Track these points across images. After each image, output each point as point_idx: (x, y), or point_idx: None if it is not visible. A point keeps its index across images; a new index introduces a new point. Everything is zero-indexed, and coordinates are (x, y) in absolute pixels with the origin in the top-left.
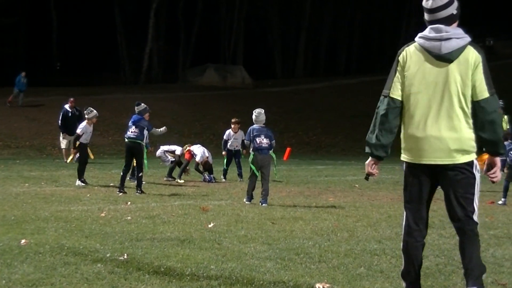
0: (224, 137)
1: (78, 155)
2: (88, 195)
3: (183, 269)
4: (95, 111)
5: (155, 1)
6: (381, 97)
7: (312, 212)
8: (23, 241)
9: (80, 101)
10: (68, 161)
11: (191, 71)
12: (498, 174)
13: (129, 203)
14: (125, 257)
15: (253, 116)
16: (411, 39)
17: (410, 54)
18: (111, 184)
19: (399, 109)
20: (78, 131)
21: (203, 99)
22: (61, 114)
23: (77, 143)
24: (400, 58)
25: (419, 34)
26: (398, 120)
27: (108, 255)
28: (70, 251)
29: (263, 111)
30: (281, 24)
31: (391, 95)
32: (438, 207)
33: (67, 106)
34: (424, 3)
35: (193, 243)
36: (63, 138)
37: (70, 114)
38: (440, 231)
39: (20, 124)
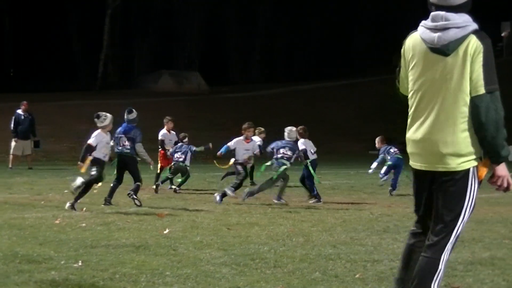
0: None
1: (93, 171)
2: (42, 202)
3: (138, 276)
4: (109, 114)
5: (110, 7)
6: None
7: (267, 218)
8: None
9: (36, 107)
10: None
11: (146, 77)
12: (504, 182)
13: (84, 209)
14: (80, 264)
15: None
16: (363, 45)
17: (413, 44)
18: (66, 191)
19: None
20: (91, 141)
21: (159, 105)
22: (13, 118)
23: (88, 157)
24: (402, 50)
25: (421, 23)
26: None
27: (62, 262)
28: (24, 259)
29: (294, 128)
30: (237, 29)
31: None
32: (393, 212)
33: (19, 111)
34: None
35: (148, 249)
36: (15, 142)
37: (22, 118)
38: (394, 236)
39: None
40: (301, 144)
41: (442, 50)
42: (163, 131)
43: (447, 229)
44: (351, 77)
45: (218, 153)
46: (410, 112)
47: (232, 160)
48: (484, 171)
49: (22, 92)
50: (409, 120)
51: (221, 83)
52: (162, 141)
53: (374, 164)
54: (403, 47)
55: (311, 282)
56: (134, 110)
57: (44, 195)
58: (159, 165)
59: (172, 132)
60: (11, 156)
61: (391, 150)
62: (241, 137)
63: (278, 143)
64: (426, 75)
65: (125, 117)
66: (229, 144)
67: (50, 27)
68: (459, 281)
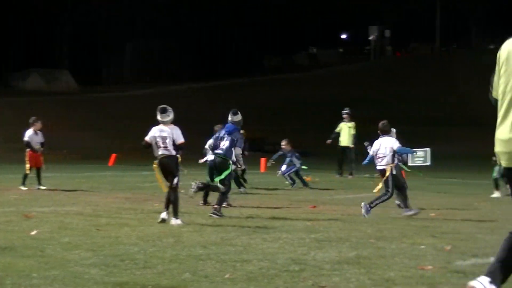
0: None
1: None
2: None
3: (4, 278)
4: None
5: None
6: None
7: (137, 218)
8: None
9: None
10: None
11: (15, 76)
12: None
13: None
14: None
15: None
16: (237, 48)
17: (508, 49)
18: None
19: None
20: (181, 140)
21: (29, 105)
22: None
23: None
24: (498, 55)
25: None
26: None
27: None
28: None
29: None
30: (109, 29)
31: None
32: (262, 212)
33: None
34: None
35: (14, 250)
36: None
37: None
38: (263, 236)
39: None
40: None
41: None
42: (30, 131)
43: None
44: (225, 78)
45: None
46: (500, 113)
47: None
48: None
49: None
50: (498, 121)
51: (92, 82)
52: (28, 142)
53: (284, 167)
54: (498, 52)
55: (181, 282)
56: (239, 112)
57: None
58: (28, 166)
59: (39, 132)
60: None
61: (296, 155)
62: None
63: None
64: None
65: (230, 118)
66: None
67: None
68: (326, 280)
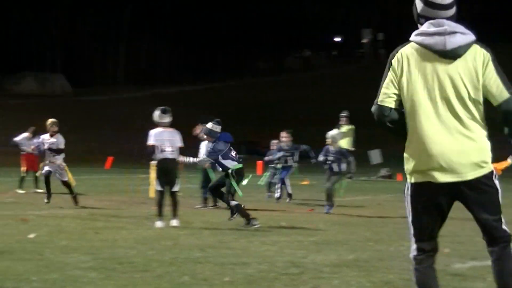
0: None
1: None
2: None
3: (3, 282)
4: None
5: None
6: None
7: (135, 222)
8: None
9: None
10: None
11: (9, 79)
12: None
13: None
14: None
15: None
16: (226, 51)
17: (407, 55)
18: None
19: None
20: (181, 144)
21: (22, 108)
22: None
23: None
24: (394, 61)
25: (414, 33)
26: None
27: None
28: None
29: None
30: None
31: (381, 103)
32: (259, 215)
33: None
34: None
35: (13, 254)
36: None
37: None
38: (262, 239)
39: None
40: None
41: (454, 53)
42: (24, 135)
43: None
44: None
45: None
46: (414, 124)
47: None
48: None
49: None
50: (412, 133)
51: (86, 85)
52: (17, 144)
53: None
54: (394, 60)
55: (180, 285)
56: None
57: None
58: (23, 168)
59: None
60: None
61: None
62: None
63: None
64: (429, 82)
65: (219, 127)
66: None
67: None
68: (326, 283)
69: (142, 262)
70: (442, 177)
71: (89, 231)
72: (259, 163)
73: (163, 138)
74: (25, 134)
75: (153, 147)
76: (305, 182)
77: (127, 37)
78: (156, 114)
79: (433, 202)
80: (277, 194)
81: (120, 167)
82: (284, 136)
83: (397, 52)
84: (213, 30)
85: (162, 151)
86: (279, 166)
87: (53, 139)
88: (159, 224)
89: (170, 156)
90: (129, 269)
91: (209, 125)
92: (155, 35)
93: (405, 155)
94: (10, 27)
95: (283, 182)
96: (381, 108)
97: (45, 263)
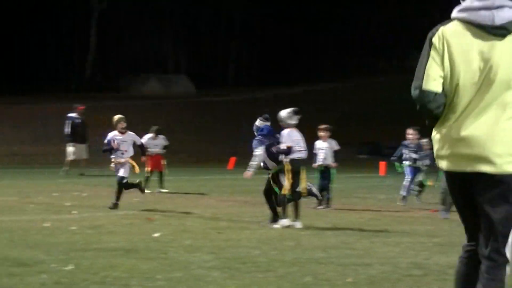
0: None
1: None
2: (31, 205)
3: (129, 280)
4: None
5: (95, 10)
6: None
7: (257, 222)
8: None
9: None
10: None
11: (133, 81)
12: None
13: (74, 212)
14: (71, 267)
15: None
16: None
17: (449, 33)
18: (54, 194)
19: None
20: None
21: (147, 109)
22: (69, 122)
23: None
24: (435, 39)
25: (457, 9)
26: None
27: (53, 265)
28: (15, 262)
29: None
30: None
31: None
32: (382, 215)
33: (73, 114)
34: None
35: (138, 253)
36: (73, 147)
37: (78, 121)
38: (384, 239)
39: None
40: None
41: (503, 29)
42: (148, 136)
43: None
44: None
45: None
46: (456, 107)
47: None
48: None
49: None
50: (454, 116)
51: (208, 86)
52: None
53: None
54: (433, 39)
55: (303, 286)
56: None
57: (32, 198)
58: (147, 169)
59: (160, 136)
60: (69, 161)
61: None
62: None
63: None
64: (473, 62)
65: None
66: None
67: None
68: (450, 286)
69: (265, 262)
70: (475, 167)
71: (212, 231)
72: (382, 163)
73: (297, 139)
74: (149, 135)
75: (289, 148)
76: (429, 183)
77: (248, 39)
78: (286, 114)
79: (465, 192)
80: (404, 193)
81: (243, 168)
82: (411, 133)
83: (437, 30)
84: (334, 31)
85: (296, 151)
86: (407, 163)
87: (123, 137)
88: (284, 222)
89: (302, 156)
90: (252, 269)
91: (257, 122)
92: (274, 36)
93: (436, 138)
94: (135, 33)
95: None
96: (426, 93)
97: (169, 262)
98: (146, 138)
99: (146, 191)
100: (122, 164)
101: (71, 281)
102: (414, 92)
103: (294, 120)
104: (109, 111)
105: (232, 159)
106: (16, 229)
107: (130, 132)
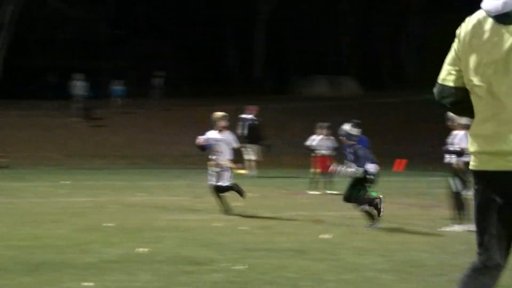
0: None
1: None
2: (202, 205)
3: (299, 280)
4: None
5: (261, 13)
6: None
7: (427, 225)
8: (140, 249)
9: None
10: None
11: (299, 82)
12: None
13: (240, 213)
14: (242, 266)
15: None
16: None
17: (471, 25)
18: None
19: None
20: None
21: (312, 110)
22: (246, 124)
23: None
24: (458, 32)
25: None
26: None
27: (224, 264)
28: (187, 261)
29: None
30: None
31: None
32: None
33: (247, 115)
34: None
35: (308, 254)
36: (249, 148)
37: (254, 123)
38: None
39: (137, 135)
40: None
41: (509, 15)
42: (317, 137)
43: None
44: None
45: None
46: (479, 103)
47: None
48: None
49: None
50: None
51: (376, 88)
52: (308, 146)
53: None
54: (457, 31)
55: None
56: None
57: (204, 198)
58: (312, 170)
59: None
60: (251, 163)
61: None
62: None
63: None
64: (490, 55)
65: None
66: None
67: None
68: None
69: (436, 266)
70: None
71: (382, 233)
72: None
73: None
74: (320, 136)
75: (463, 150)
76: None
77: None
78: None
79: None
80: None
81: (409, 169)
82: None
83: (463, 22)
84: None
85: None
86: None
87: (220, 136)
88: (457, 228)
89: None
90: (423, 273)
91: (347, 127)
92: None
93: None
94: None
95: None
96: (441, 88)
97: (340, 263)
98: (317, 140)
99: (311, 192)
100: (221, 169)
101: (243, 280)
102: (436, 87)
103: (464, 121)
104: (276, 112)
105: (401, 161)
106: (187, 228)
107: (228, 132)
